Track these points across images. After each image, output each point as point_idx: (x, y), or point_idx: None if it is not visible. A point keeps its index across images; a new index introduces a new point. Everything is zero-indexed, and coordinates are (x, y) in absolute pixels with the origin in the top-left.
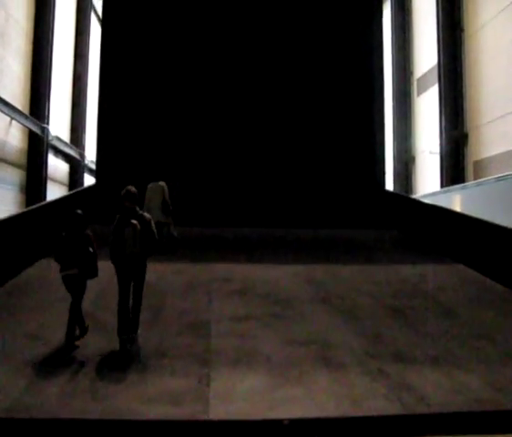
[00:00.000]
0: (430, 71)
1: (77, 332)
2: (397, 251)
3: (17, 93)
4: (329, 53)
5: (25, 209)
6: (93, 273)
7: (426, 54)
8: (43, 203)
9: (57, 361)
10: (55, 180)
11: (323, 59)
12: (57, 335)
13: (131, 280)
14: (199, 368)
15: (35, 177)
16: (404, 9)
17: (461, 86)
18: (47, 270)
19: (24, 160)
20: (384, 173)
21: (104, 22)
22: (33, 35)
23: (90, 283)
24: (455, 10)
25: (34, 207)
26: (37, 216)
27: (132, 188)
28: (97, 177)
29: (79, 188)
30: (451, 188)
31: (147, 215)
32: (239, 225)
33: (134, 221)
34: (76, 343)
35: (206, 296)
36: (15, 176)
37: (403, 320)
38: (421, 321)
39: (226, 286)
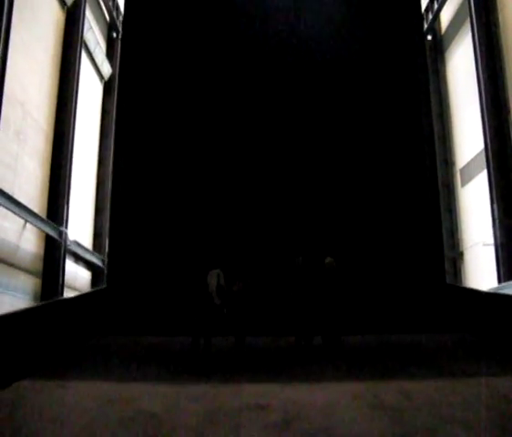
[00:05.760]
0: (474, 159)
1: None
2: (479, 360)
3: (33, 194)
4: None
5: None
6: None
7: (468, 141)
8: (23, 309)
9: None
10: (75, 289)
11: (380, 150)
12: None
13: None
14: None
15: (50, 284)
16: (441, 97)
17: None
18: (22, 397)
19: (39, 266)
20: (444, 265)
21: (118, 123)
22: (52, 134)
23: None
24: (499, 90)
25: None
26: (17, 324)
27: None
28: (108, 282)
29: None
30: (511, 283)
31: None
32: (273, 332)
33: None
34: None
35: (232, 434)
36: (28, 283)
37: None
38: None
39: (260, 417)
